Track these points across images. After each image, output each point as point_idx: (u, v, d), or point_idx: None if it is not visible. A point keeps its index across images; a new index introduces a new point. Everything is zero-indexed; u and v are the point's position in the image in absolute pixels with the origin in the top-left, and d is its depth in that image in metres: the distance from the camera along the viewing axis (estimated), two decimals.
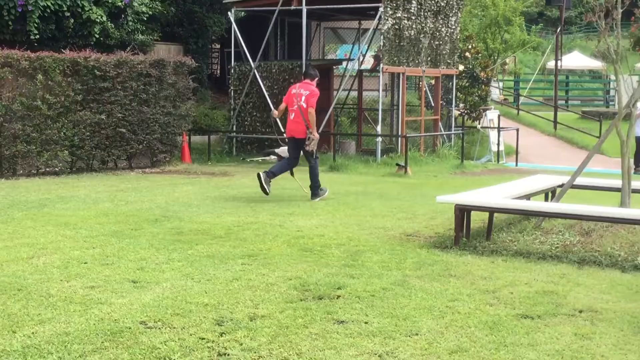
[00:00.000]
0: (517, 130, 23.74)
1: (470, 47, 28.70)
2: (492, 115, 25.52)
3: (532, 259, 7.99)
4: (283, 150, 14.01)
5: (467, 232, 8.84)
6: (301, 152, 12.84)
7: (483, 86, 26.66)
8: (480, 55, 30.29)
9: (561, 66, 37.73)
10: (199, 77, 24.51)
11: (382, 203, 12.25)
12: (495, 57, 38.58)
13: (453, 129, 23.91)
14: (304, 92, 12.79)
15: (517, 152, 23.21)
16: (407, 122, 23.19)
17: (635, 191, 9.62)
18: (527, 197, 9.81)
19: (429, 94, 25.20)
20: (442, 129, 23.54)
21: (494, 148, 23.16)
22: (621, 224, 8.61)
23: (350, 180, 16.05)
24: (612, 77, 40.67)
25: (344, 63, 26.28)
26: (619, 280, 7.20)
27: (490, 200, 8.80)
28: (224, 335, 5.29)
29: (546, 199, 10.61)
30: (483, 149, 25.31)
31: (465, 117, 27.03)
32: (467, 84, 26.53)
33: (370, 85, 25.54)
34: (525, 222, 9.81)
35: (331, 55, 29.47)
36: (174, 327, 5.42)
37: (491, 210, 8.77)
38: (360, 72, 24.15)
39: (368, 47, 24.53)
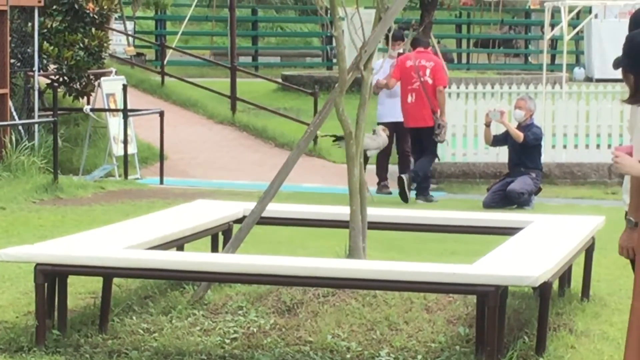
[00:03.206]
0: (162, 114, 21.82)
1: None
2: (112, 86, 23.37)
3: None
4: (376, 138, 14.72)
5: (62, 317, 7.88)
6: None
7: (93, 29, 24.42)
8: None
9: None
10: None
11: None
12: None
13: (37, 113, 21.81)
14: (427, 64, 14.11)
15: (161, 158, 21.42)
16: None
17: (375, 226, 8.79)
18: (179, 244, 8.99)
19: None
20: (14, 113, 21.35)
21: (118, 150, 21.17)
22: (351, 289, 8.01)
23: None
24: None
25: None
26: None
27: (106, 252, 7.87)
28: None
29: (214, 247, 9.74)
30: (97, 153, 23.33)
31: (62, 91, 24.72)
32: (62, 26, 24.21)
33: None
34: (176, 293, 8.87)
35: None
36: None
37: (108, 273, 7.91)
38: None
39: None
